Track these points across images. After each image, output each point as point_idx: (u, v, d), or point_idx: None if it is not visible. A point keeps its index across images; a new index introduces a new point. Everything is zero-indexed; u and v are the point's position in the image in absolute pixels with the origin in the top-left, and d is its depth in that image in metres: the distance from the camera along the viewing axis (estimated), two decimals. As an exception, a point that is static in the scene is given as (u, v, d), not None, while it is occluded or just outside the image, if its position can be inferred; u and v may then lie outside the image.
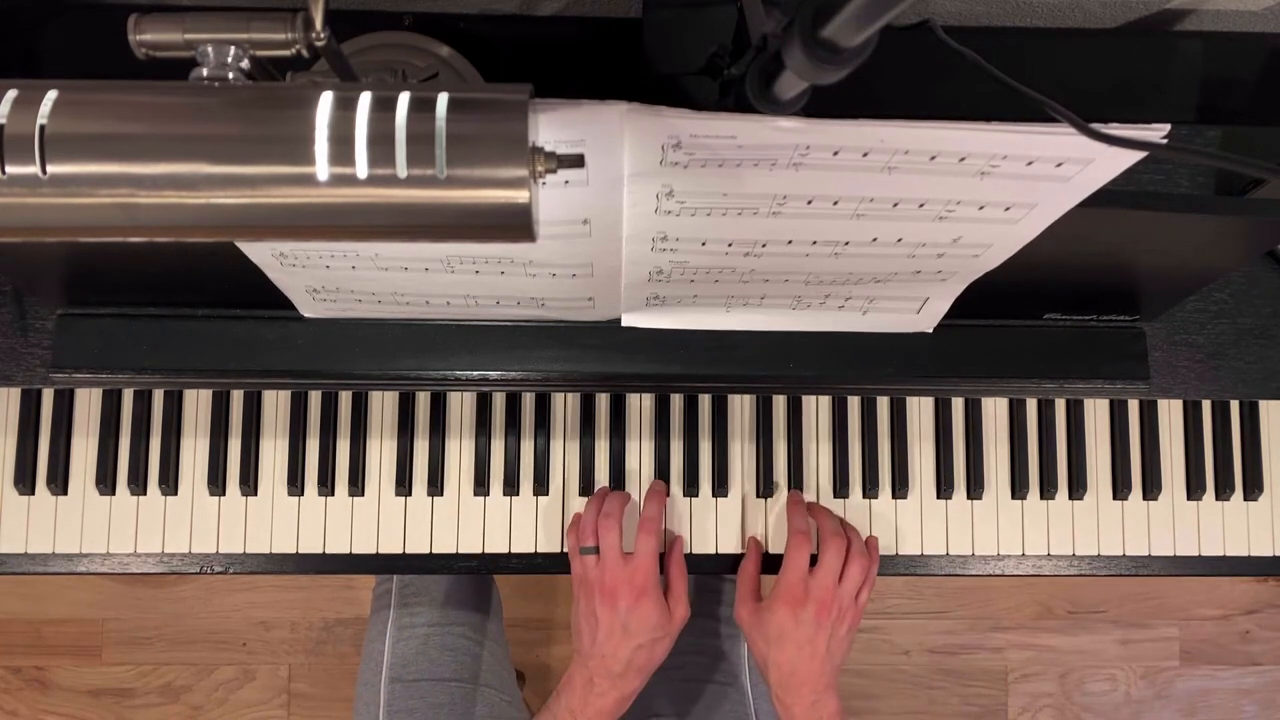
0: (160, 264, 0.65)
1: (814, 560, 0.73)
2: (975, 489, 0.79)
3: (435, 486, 0.77)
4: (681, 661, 0.91)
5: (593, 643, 0.72)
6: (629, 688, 0.72)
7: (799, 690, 0.71)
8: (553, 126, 0.43)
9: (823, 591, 0.71)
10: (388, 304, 0.66)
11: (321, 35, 0.41)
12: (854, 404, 0.80)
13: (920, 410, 0.80)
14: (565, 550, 0.77)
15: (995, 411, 0.80)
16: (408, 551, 0.77)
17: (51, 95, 0.35)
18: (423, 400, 0.78)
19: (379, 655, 0.91)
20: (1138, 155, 0.46)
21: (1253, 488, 0.80)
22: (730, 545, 0.78)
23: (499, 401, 0.78)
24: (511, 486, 0.78)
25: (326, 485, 0.77)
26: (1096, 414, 0.80)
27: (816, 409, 0.79)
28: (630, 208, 0.51)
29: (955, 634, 1.61)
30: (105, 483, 0.76)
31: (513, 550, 0.77)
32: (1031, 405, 0.80)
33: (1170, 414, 0.81)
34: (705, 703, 0.87)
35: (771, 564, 0.77)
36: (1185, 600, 1.63)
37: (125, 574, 0.92)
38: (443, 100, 0.35)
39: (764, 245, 0.56)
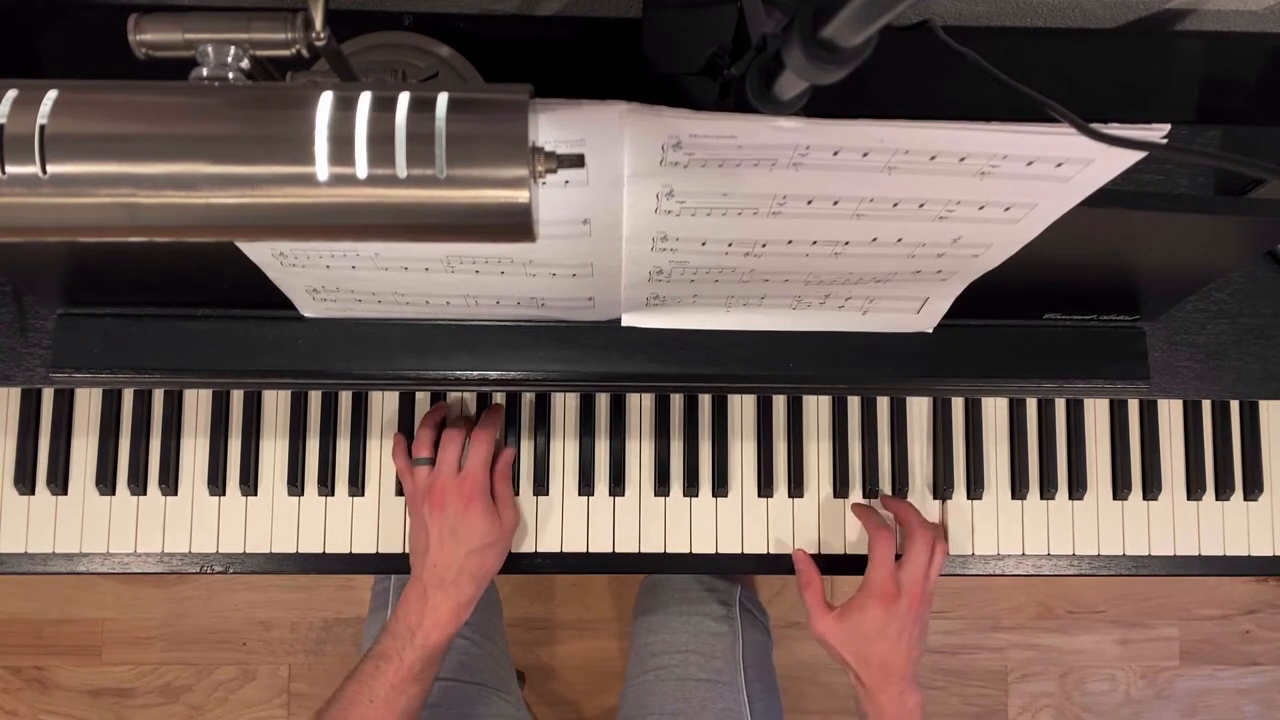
0: (160, 264, 0.65)
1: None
2: (975, 489, 0.79)
3: (435, 486, 0.77)
4: (674, 660, 0.91)
5: (424, 555, 0.72)
6: (463, 595, 0.71)
7: (888, 684, 0.72)
8: (553, 126, 0.43)
9: (914, 584, 0.73)
10: (388, 304, 0.66)
11: (321, 35, 0.41)
12: (854, 404, 0.80)
13: (920, 410, 0.80)
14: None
15: (995, 411, 0.80)
16: (408, 551, 0.76)
17: (51, 95, 0.35)
18: (423, 400, 0.78)
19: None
20: (1138, 155, 0.46)
21: (1252, 488, 0.80)
22: (730, 545, 0.78)
23: (499, 401, 0.78)
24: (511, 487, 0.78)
25: (326, 485, 0.77)
26: (1096, 414, 0.80)
27: (817, 409, 0.79)
28: (630, 208, 0.51)
29: (955, 634, 1.61)
30: (105, 483, 0.76)
31: (511, 550, 0.77)
32: (1031, 405, 0.80)
33: (1170, 414, 0.81)
34: (698, 701, 0.87)
35: (827, 565, 0.78)
36: (1185, 600, 1.63)
37: (125, 574, 0.92)
38: (442, 100, 0.35)
39: (764, 245, 0.56)
